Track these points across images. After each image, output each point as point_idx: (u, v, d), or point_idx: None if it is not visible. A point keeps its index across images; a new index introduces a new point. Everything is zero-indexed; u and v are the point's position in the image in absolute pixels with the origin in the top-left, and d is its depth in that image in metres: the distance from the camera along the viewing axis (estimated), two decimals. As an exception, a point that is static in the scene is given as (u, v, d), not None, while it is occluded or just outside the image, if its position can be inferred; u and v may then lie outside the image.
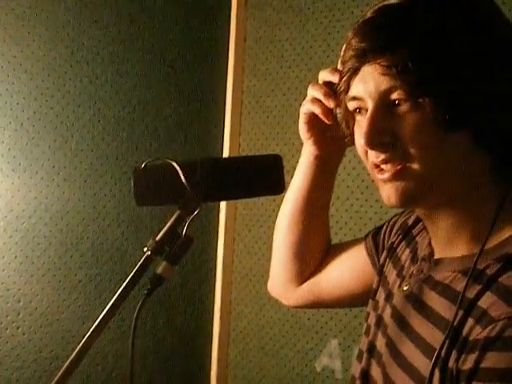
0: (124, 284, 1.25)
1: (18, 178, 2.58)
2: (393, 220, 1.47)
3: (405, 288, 1.23)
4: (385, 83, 1.05)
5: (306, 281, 1.58)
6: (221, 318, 2.96)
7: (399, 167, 1.08)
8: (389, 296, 1.30)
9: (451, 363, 1.03)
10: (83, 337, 1.28)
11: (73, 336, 2.65)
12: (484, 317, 1.01)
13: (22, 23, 2.58)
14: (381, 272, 1.39)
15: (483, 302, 1.02)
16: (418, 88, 1.02)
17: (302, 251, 1.56)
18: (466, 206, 1.12)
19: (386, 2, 1.08)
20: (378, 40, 1.04)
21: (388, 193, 1.11)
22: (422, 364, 1.09)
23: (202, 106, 3.02)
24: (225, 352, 2.98)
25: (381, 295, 1.35)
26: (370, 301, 1.40)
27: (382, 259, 1.42)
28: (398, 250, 1.38)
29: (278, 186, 1.29)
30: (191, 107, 3.00)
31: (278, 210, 2.74)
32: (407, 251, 1.34)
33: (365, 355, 1.32)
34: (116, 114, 2.79)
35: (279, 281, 1.67)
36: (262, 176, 1.28)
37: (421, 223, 1.34)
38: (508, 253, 1.05)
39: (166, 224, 1.25)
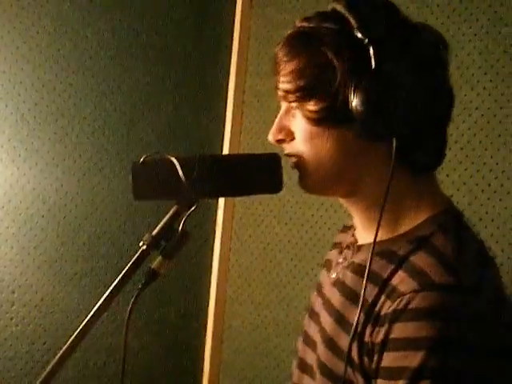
0: (118, 277, 1.25)
1: (17, 169, 2.58)
2: None
3: (332, 276, 1.35)
4: (280, 92, 1.27)
5: None
6: (215, 315, 2.96)
7: (295, 160, 1.27)
8: (320, 289, 1.41)
9: (367, 338, 1.13)
10: (77, 330, 1.28)
11: (66, 329, 2.65)
12: (394, 292, 1.11)
13: (26, 14, 2.58)
14: (318, 287, 1.46)
15: (394, 280, 1.13)
16: (299, 94, 1.22)
17: None
18: (369, 194, 1.24)
19: (301, 19, 1.27)
20: (281, 53, 1.26)
21: (298, 181, 1.30)
22: (345, 342, 1.18)
23: (203, 104, 3.02)
24: (218, 350, 2.98)
25: (316, 299, 1.43)
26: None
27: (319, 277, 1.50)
28: (328, 258, 1.49)
29: (275, 185, 1.30)
30: (193, 104, 3.00)
31: (276, 210, 2.74)
32: (335, 251, 1.46)
33: (300, 346, 1.43)
34: (117, 108, 2.79)
35: None
36: (261, 174, 1.29)
37: (347, 230, 1.49)
38: (419, 235, 1.17)
39: (162, 219, 1.25)
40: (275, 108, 2.86)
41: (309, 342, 1.38)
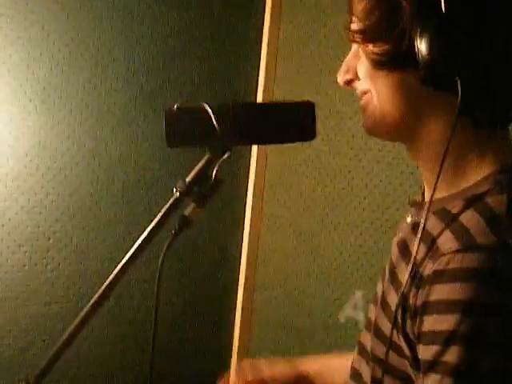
0: (152, 224, 1.26)
1: (52, 117, 2.60)
2: None
3: (399, 235, 1.31)
4: (349, 32, 1.23)
5: None
6: (247, 264, 2.98)
7: (362, 101, 1.25)
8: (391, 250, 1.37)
9: (410, 300, 1.10)
10: (110, 275, 1.30)
11: (101, 275, 2.68)
12: (436, 252, 1.08)
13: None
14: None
15: (440, 239, 1.10)
16: (364, 36, 1.19)
17: None
18: (430, 144, 1.20)
19: None
20: None
21: (362, 121, 1.28)
22: (394, 299, 1.17)
23: (237, 52, 3.00)
24: (250, 299, 3.00)
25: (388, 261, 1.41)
26: None
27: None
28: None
29: (309, 132, 1.29)
30: (227, 52, 2.98)
31: (309, 160, 2.74)
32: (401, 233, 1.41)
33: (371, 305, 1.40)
34: (151, 55, 2.78)
35: None
36: (294, 122, 1.28)
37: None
38: (474, 193, 1.13)
39: (196, 166, 1.26)
40: (309, 56, 2.85)
41: (375, 300, 1.36)
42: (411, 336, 1.10)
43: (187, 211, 1.27)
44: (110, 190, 2.73)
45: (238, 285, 3.03)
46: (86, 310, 1.29)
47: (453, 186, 1.18)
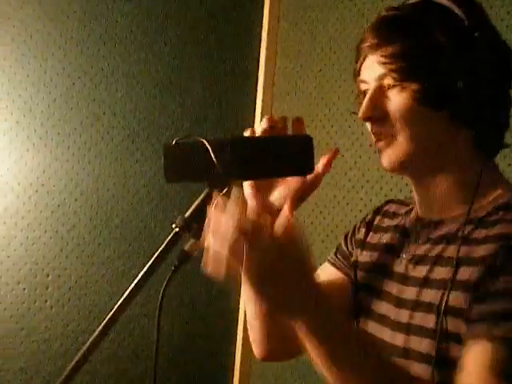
0: (151, 260, 1.26)
1: (49, 154, 2.61)
2: (349, 231, 1.61)
3: (405, 257, 1.38)
4: (380, 70, 1.29)
5: None
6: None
7: (389, 139, 1.30)
8: (385, 270, 1.43)
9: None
10: (110, 311, 1.29)
11: (100, 311, 2.67)
12: (498, 236, 1.21)
13: (56, 0, 2.60)
14: (379, 268, 1.45)
15: (494, 230, 1.22)
16: (401, 75, 1.26)
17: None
18: (453, 174, 1.30)
19: (390, 8, 1.32)
20: (378, 37, 1.29)
21: (383, 159, 1.33)
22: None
23: (234, 87, 3.02)
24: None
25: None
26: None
27: (367, 258, 1.50)
28: (371, 240, 1.52)
29: (307, 167, 1.29)
30: (223, 87, 3.00)
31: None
32: (386, 235, 1.49)
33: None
34: (148, 92, 2.80)
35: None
36: (292, 156, 1.28)
37: (378, 215, 1.55)
38: (502, 202, 1.26)
39: (194, 201, 1.26)
40: (305, 89, 2.86)
41: (380, 319, 1.39)
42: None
43: (187, 246, 1.27)
44: (109, 226, 2.73)
45: (238, 319, 3.02)
46: (85, 346, 1.28)
47: (464, 206, 1.29)
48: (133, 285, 1.27)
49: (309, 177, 1.38)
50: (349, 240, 1.57)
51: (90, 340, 1.28)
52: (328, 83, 2.65)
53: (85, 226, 2.68)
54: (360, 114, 1.32)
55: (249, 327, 1.54)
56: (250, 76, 3.02)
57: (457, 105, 1.22)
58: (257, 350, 1.56)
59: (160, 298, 1.30)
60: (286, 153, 1.28)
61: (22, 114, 2.55)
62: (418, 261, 1.34)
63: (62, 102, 2.62)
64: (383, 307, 1.38)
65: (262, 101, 2.95)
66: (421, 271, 1.32)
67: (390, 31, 1.28)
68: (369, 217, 1.57)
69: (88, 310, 2.69)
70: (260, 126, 1.35)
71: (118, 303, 1.27)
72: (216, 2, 2.97)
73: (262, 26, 2.99)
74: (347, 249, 1.56)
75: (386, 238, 1.48)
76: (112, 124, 2.72)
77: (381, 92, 1.30)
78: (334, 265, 1.56)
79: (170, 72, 2.85)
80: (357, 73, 1.36)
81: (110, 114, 2.72)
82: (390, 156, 1.31)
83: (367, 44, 1.30)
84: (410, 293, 1.32)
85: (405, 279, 1.35)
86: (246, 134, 1.34)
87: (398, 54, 1.25)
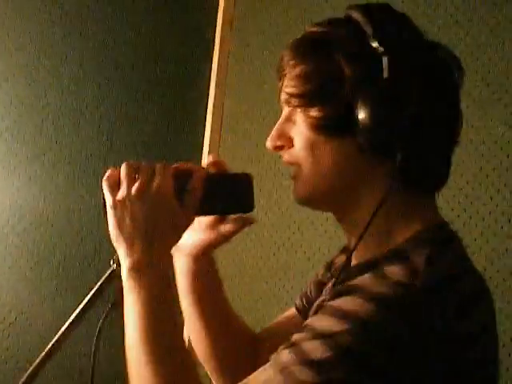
0: (88, 296, 1.25)
1: (-7, 192, 2.58)
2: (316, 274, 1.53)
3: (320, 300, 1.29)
4: (284, 96, 1.21)
5: None
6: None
7: (296, 169, 1.20)
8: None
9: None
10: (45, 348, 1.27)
11: (40, 349, 2.58)
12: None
13: (6, 32, 2.59)
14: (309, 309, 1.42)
15: (358, 279, 1.10)
16: (303, 99, 1.17)
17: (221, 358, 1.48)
18: (364, 211, 1.16)
19: (313, 24, 1.22)
20: (289, 56, 1.20)
21: (292, 192, 1.24)
22: None
23: (182, 125, 3.02)
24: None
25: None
26: None
27: (311, 298, 1.46)
28: (321, 278, 1.45)
29: (247, 204, 1.30)
30: (171, 125, 3.00)
31: (251, 233, 2.74)
32: (327, 273, 1.43)
33: None
34: (95, 127, 2.79)
35: None
36: (232, 194, 1.29)
37: (342, 252, 1.44)
38: (399, 249, 1.12)
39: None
40: (253, 131, 2.88)
41: None
42: None
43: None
44: (51, 262, 2.70)
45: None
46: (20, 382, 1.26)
47: (380, 247, 1.16)
48: (67, 323, 1.26)
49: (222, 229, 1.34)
50: (312, 282, 1.51)
51: (25, 375, 1.26)
52: (274, 125, 2.66)
53: (27, 261, 2.65)
54: (267, 144, 1.25)
55: (202, 360, 1.47)
56: (198, 115, 3.02)
57: (361, 133, 1.10)
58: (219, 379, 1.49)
59: (96, 335, 1.28)
60: (226, 190, 1.28)
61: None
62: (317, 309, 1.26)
63: (7, 135, 2.60)
64: None
65: (210, 140, 2.97)
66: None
67: (298, 52, 1.19)
68: (334, 255, 1.50)
69: (28, 347, 2.65)
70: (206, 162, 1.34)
71: (53, 340, 1.25)
72: (165, 41, 2.98)
73: (211, 65, 3.01)
74: (309, 291, 1.50)
75: (325, 276, 1.44)
76: (58, 158, 2.71)
77: (289, 119, 1.22)
78: (296, 308, 1.51)
79: (118, 108, 2.85)
80: (278, 94, 1.26)
81: (57, 148, 2.70)
82: (296, 188, 1.22)
83: (282, 63, 1.21)
84: None
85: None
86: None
87: (301, 77, 1.17)
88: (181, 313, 1.38)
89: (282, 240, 2.66)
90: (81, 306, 1.26)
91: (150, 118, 2.94)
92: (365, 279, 1.06)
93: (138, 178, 1.18)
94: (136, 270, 1.17)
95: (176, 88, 3.01)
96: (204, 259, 1.40)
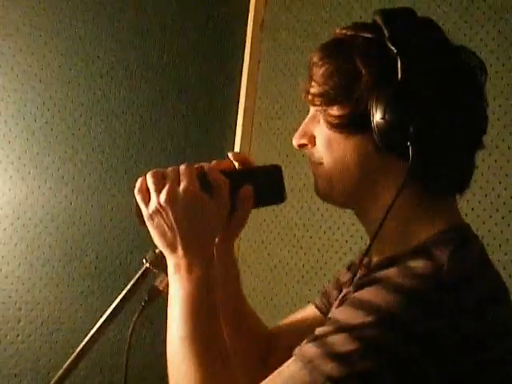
0: (121, 295, 1.26)
1: (26, 187, 2.60)
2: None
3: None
4: (309, 96, 1.26)
5: None
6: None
7: (318, 166, 1.26)
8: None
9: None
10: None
11: (72, 347, 2.62)
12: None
13: (39, 34, 2.61)
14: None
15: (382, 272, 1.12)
16: (325, 99, 1.22)
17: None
18: (382, 209, 1.18)
19: (342, 27, 1.26)
20: (317, 56, 1.25)
21: (314, 187, 1.29)
22: None
23: (213, 126, 3.03)
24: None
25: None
26: None
27: (331, 299, 1.47)
28: (342, 279, 1.47)
29: (279, 195, 1.31)
30: (203, 126, 3.01)
31: (283, 232, 2.73)
32: (348, 274, 1.45)
33: None
34: (127, 128, 2.81)
35: None
36: (263, 186, 1.30)
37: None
38: (422, 247, 1.14)
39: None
40: (284, 131, 2.88)
41: None
42: None
43: (157, 282, 1.27)
44: (83, 261, 2.71)
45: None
46: (53, 382, 1.27)
47: (400, 246, 1.18)
48: (101, 320, 1.27)
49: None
50: (334, 281, 1.53)
51: (58, 374, 1.27)
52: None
53: (59, 260, 2.67)
54: (293, 142, 1.30)
55: None
56: (230, 116, 3.04)
57: (378, 132, 1.14)
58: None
59: (129, 333, 1.29)
60: (258, 183, 1.29)
61: (0, 146, 2.55)
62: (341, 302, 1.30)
63: (40, 135, 2.62)
64: None
65: (241, 140, 2.97)
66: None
67: (323, 54, 1.24)
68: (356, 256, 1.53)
69: (60, 345, 2.66)
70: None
71: (86, 339, 1.26)
72: (197, 42, 2.99)
73: (242, 67, 3.01)
74: (329, 290, 1.52)
75: (346, 276, 1.46)
76: (90, 159, 2.72)
77: (314, 119, 1.28)
78: (316, 306, 1.53)
79: (149, 109, 2.86)
80: (305, 95, 1.31)
81: (89, 148, 2.72)
82: (317, 183, 1.28)
83: (310, 64, 1.27)
84: None
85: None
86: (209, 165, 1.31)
87: (323, 77, 1.22)
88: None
89: (313, 240, 2.66)
90: (114, 305, 1.26)
91: (180, 118, 2.94)
92: (388, 272, 1.09)
93: (165, 184, 1.20)
94: (179, 270, 1.20)
95: (207, 89, 3.02)
96: (222, 247, 1.40)
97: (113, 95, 2.77)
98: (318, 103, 1.24)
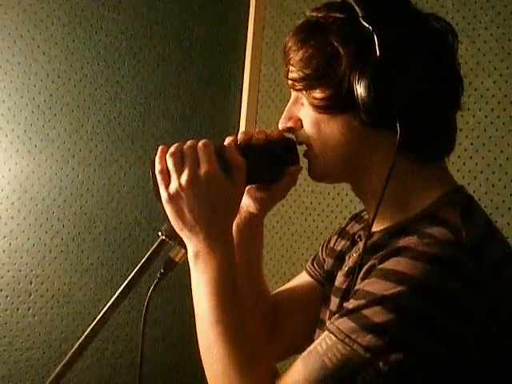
0: (137, 267, 1.26)
1: (33, 160, 2.59)
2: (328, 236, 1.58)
3: (346, 267, 1.34)
4: (289, 81, 1.28)
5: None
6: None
7: (308, 148, 1.28)
8: (331, 278, 1.41)
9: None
10: (94, 319, 1.28)
11: (83, 318, 2.66)
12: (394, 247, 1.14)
13: (41, 5, 2.59)
14: (331, 277, 1.43)
15: (400, 241, 1.14)
16: (306, 82, 1.24)
17: None
18: (376, 181, 1.22)
19: (312, 9, 1.28)
20: (292, 41, 1.26)
21: (308, 170, 1.31)
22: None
23: (218, 93, 3.02)
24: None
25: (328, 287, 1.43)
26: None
27: (328, 267, 1.48)
28: (338, 248, 1.48)
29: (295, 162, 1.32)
30: (208, 94, 3.00)
31: (292, 200, 2.73)
32: (344, 242, 1.46)
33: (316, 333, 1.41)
34: (132, 98, 2.79)
35: None
36: (277, 159, 1.30)
37: (358, 219, 1.49)
38: (429, 212, 1.18)
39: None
40: (290, 95, 2.87)
41: (321, 325, 1.39)
42: None
43: (172, 253, 1.27)
44: (92, 233, 2.72)
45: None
46: (69, 354, 1.27)
47: (402, 213, 1.22)
48: (118, 292, 1.26)
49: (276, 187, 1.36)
50: (324, 248, 1.56)
51: (74, 348, 1.27)
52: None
53: (68, 233, 2.67)
54: (279, 127, 1.33)
55: None
56: (235, 84, 3.03)
57: (364, 109, 1.15)
58: None
59: (145, 304, 1.29)
60: (273, 156, 1.30)
61: (5, 120, 2.53)
62: (348, 273, 1.32)
63: (45, 108, 2.61)
64: (325, 315, 1.38)
65: (247, 107, 2.96)
66: (344, 283, 1.31)
67: (298, 38, 1.26)
68: (344, 222, 1.56)
69: (71, 317, 2.67)
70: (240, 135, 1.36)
71: (103, 310, 1.26)
72: (200, 9, 2.97)
73: (247, 34, 2.99)
74: (322, 257, 1.55)
75: (341, 244, 1.47)
76: (96, 130, 2.71)
77: (297, 102, 1.30)
78: (308, 273, 1.56)
79: (154, 78, 2.85)
80: (285, 80, 1.33)
81: (94, 120, 2.71)
82: (311, 166, 1.30)
83: (285, 49, 1.28)
84: (333, 304, 1.33)
85: (336, 290, 1.34)
86: (227, 142, 1.34)
87: (302, 61, 1.24)
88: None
89: (321, 207, 2.66)
90: (130, 277, 1.26)
91: (186, 87, 2.93)
92: (410, 240, 1.11)
93: (185, 166, 1.20)
94: (201, 256, 1.19)
95: (213, 55, 3.00)
96: (255, 221, 1.43)
97: (117, 66, 2.76)
98: (299, 87, 1.26)
